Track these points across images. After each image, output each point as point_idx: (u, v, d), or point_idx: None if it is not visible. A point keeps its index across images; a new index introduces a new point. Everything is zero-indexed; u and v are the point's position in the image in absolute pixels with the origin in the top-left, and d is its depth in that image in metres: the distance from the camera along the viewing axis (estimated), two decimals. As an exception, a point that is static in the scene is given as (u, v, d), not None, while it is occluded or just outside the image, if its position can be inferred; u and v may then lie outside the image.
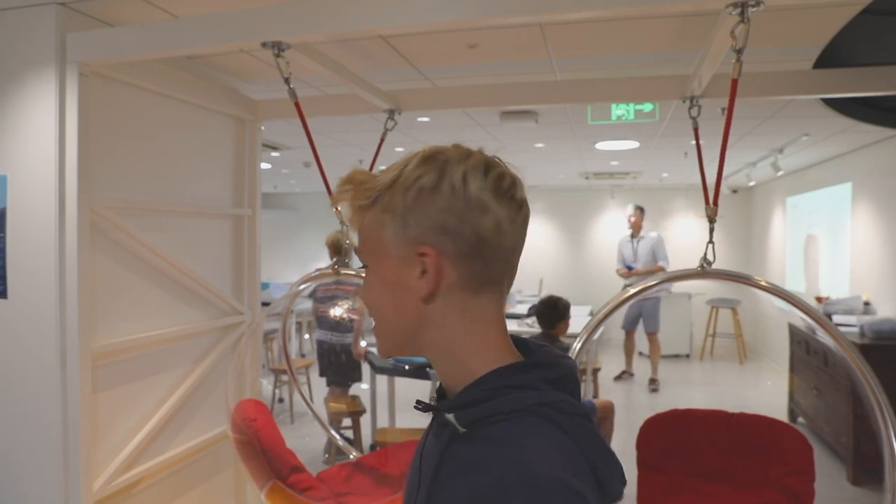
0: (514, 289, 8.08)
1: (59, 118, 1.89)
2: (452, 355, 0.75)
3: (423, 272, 0.73)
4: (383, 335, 0.79)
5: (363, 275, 0.82)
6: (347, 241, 2.13)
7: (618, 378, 6.88)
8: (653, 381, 6.67)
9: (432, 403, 0.77)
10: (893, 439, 1.61)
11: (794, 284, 6.95)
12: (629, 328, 6.93)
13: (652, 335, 6.83)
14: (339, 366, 4.43)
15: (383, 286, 0.76)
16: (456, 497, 0.67)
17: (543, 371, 0.72)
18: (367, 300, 0.79)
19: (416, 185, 0.73)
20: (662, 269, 6.60)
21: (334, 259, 2.13)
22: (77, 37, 1.89)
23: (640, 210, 6.94)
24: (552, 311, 3.75)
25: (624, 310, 7.10)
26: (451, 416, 0.71)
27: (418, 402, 0.80)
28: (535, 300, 7.50)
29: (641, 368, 7.13)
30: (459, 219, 0.72)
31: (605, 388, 6.37)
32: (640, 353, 8.16)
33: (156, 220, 2.32)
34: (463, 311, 0.74)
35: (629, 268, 6.85)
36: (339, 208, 0.84)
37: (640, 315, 6.85)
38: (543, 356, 0.75)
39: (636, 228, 6.85)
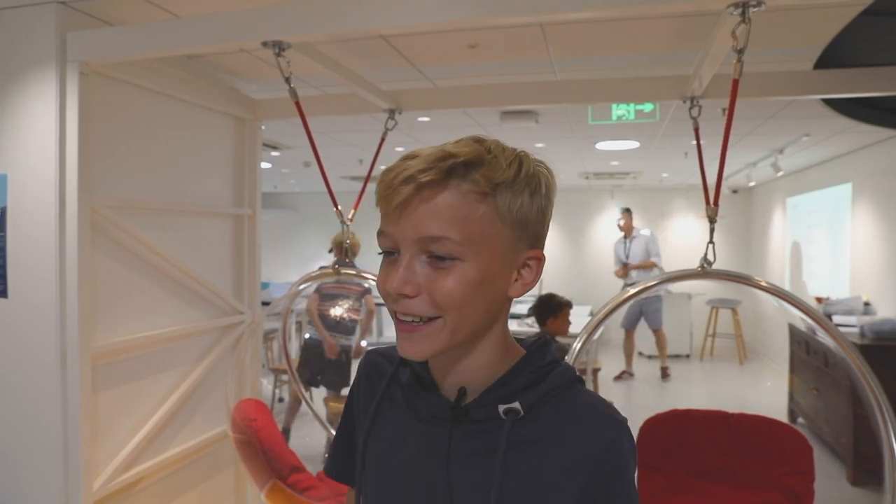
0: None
1: (59, 117, 1.89)
2: (503, 348, 0.77)
3: (520, 273, 0.75)
4: (453, 331, 0.71)
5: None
6: (348, 241, 2.13)
7: (618, 378, 6.88)
8: (665, 369, 6.84)
9: (468, 406, 0.75)
10: (893, 440, 1.61)
11: (794, 285, 6.95)
12: (630, 327, 6.98)
13: (657, 330, 6.94)
14: (339, 366, 4.43)
15: (480, 282, 0.70)
16: (552, 464, 0.71)
17: (552, 347, 0.80)
18: (451, 294, 0.69)
19: (538, 191, 0.74)
20: (654, 265, 6.87)
21: (336, 259, 2.13)
22: (77, 36, 1.89)
23: (627, 212, 7.17)
24: (545, 307, 3.72)
25: (624, 309, 7.14)
26: (515, 404, 0.73)
27: (453, 407, 0.75)
28: (535, 300, 7.53)
29: (641, 369, 7.13)
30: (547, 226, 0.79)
31: (605, 388, 6.37)
32: (640, 354, 8.16)
33: (156, 220, 2.32)
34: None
35: (624, 265, 7.03)
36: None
37: (641, 313, 6.90)
38: (536, 338, 0.82)
39: (627, 230, 7.08)
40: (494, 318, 0.75)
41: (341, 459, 0.91)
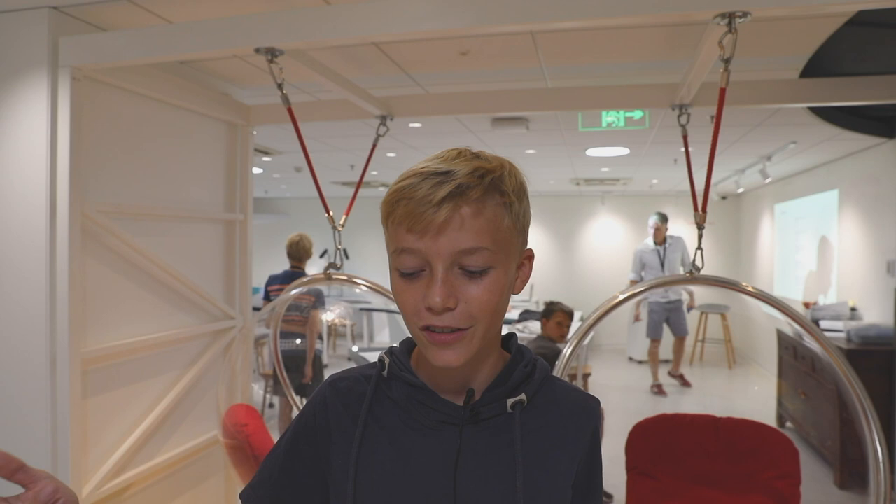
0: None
1: (50, 122, 1.89)
2: (498, 346, 0.82)
3: (519, 272, 0.79)
4: (484, 335, 0.73)
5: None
6: (340, 246, 2.13)
7: (659, 392, 6.51)
8: (682, 376, 6.79)
9: (476, 405, 0.78)
10: (878, 444, 1.63)
11: (782, 290, 7.01)
12: (657, 336, 6.62)
13: (682, 338, 6.72)
14: (318, 370, 4.46)
15: (506, 286, 0.74)
16: (558, 444, 0.81)
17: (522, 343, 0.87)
18: (488, 302, 0.71)
19: (526, 195, 0.79)
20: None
21: (328, 264, 2.13)
22: (70, 41, 1.89)
23: (664, 220, 6.62)
24: (544, 309, 3.89)
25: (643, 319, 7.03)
26: (521, 396, 0.79)
27: (471, 409, 0.77)
28: (525, 305, 7.55)
29: (632, 374, 7.14)
30: None
31: (595, 391, 6.38)
32: (630, 359, 8.19)
33: (147, 225, 2.32)
34: None
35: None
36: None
37: (668, 322, 6.62)
38: (506, 335, 0.87)
39: (661, 239, 6.61)
40: (500, 318, 0.78)
41: (267, 493, 0.85)
